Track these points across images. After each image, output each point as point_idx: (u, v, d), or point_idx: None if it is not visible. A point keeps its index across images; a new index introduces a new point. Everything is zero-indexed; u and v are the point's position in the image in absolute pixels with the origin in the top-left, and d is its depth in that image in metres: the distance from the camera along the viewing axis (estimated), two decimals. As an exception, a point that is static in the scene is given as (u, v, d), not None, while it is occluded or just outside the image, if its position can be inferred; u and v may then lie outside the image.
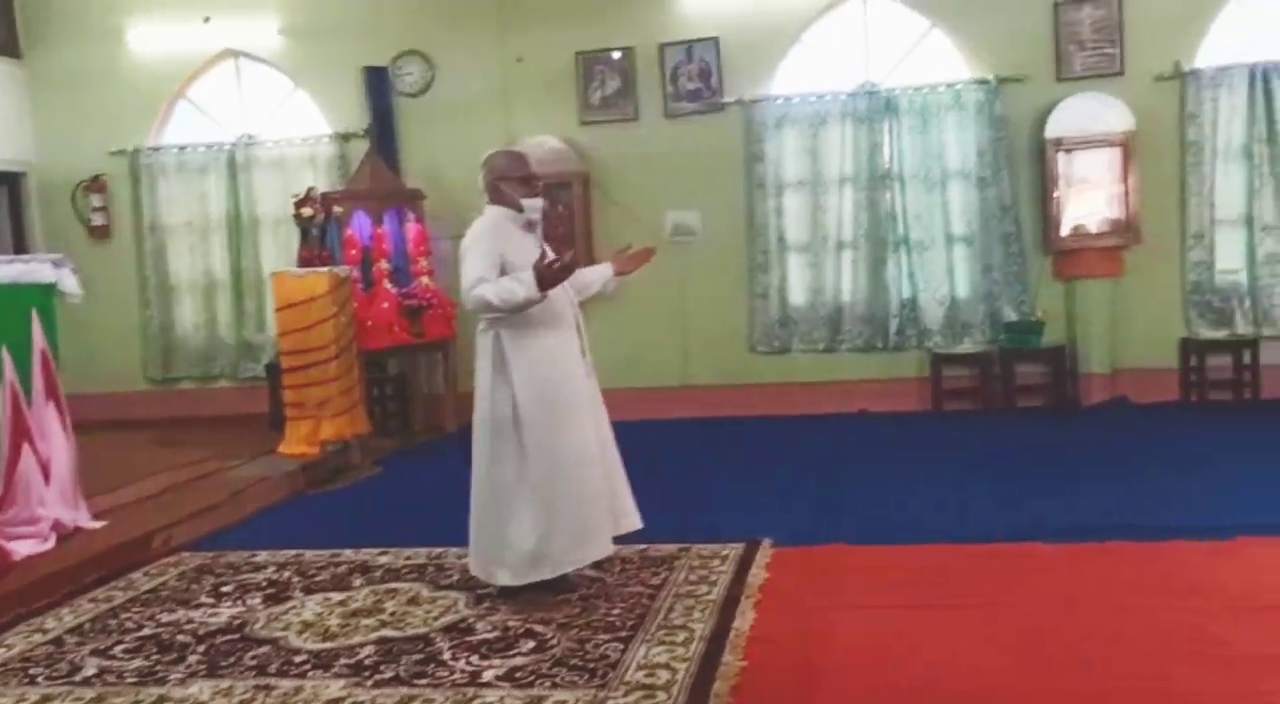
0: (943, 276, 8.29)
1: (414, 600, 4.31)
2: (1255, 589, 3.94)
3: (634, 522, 4.34)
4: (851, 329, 8.43)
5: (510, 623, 3.95)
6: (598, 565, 4.42)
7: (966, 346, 8.23)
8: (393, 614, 4.16)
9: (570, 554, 4.11)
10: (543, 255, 4.05)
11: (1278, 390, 7.74)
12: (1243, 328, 7.88)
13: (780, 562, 4.53)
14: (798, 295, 8.55)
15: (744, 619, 3.84)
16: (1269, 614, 3.68)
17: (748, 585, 4.21)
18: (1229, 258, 7.92)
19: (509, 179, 4.27)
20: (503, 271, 4.04)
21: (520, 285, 3.94)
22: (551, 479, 4.06)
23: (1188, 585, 4.02)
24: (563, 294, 4.21)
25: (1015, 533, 4.76)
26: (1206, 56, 7.90)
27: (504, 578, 4.13)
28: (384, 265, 7.92)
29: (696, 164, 8.50)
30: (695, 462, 7.00)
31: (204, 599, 4.51)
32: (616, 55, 8.60)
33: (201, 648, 3.91)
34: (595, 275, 4.56)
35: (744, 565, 4.48)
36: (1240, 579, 4.05)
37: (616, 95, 8.65)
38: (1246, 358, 7.77)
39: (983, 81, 8.08)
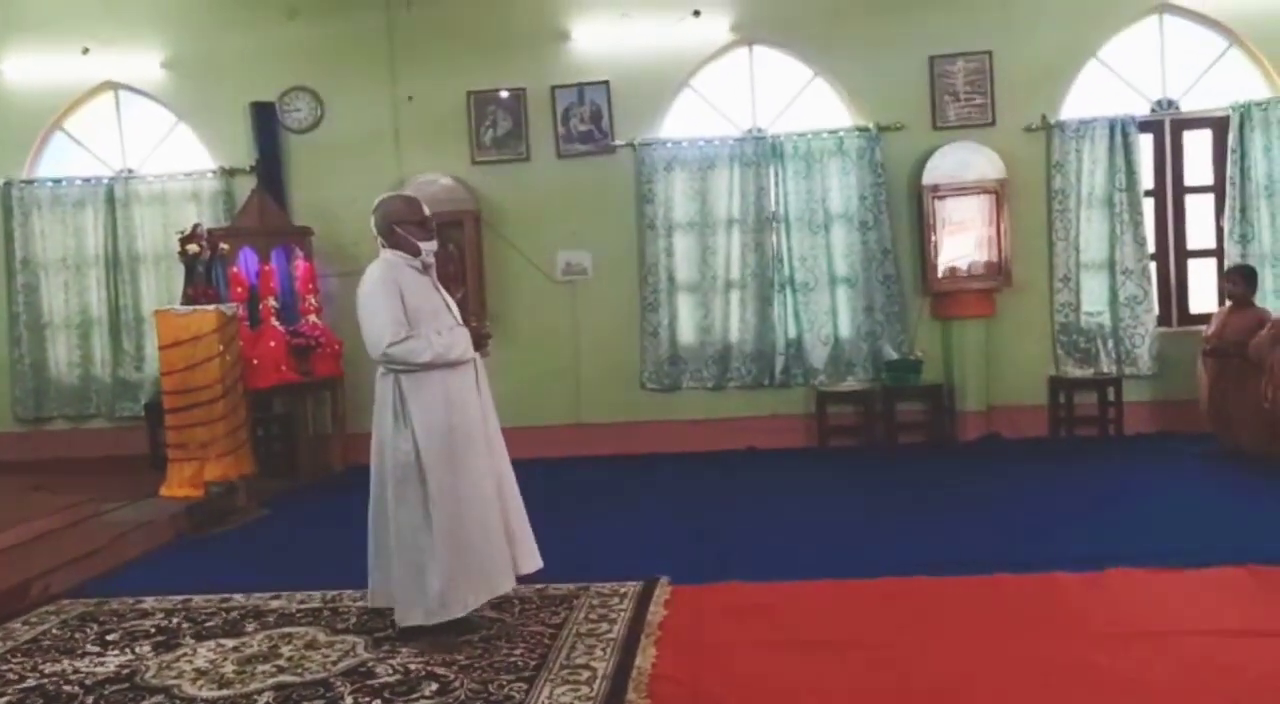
0: (826, 316, 8.54)
1: (311, 645, 4.25)
2: (1127, 617, 4.16)
3: (535, 561, 4.37)
4: (739, 367, 8.62)
5: (411, 666, 3.93)
6: (498, 606, 4.44)
7: (850, 384, 8.49)
8: (290, 659, 4.09)
9: (476, 593, 4.13)
10: (466, 311, 4.13)
11: (1139, 426, 8.19)
12: (1106, 367, 8.31)
13: (678, 599, 4.61)
14: (687, 334, 8.70)
15: (645, 657, 3.89)
16: (1141, 641, 3.89)
17: (648, 623, 4.27)
18: (1093, 300, 8.36)
19: (405, 223, 4.28)
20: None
21: (455, 346, 4.06)
22: (455, 521, 4.07)
23: (1064, 616, 4.22)
24: (461, 334, 4.26)
25: (901, 568, 4.92)
26: (1071, 109, 8.36)
27: (416, 619, 4.11)
28: (271, 303, 7.81)
29: (588, 204, 8.61)
30: (590, 499, 7.05)
31: (89, 648, 4.36)
32: (507, 95, 8.68)
33: (90, 698, 3.79)
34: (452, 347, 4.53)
35: (643, 603, 4.54)
36: (1112, 608, 4.28)
37: (508, 135, 8.72)
38: (1110, 395, 8.19)
39: (863, 129, 8.40)
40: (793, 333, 8.57)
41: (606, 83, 8.58)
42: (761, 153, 8.51)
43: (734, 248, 8.59)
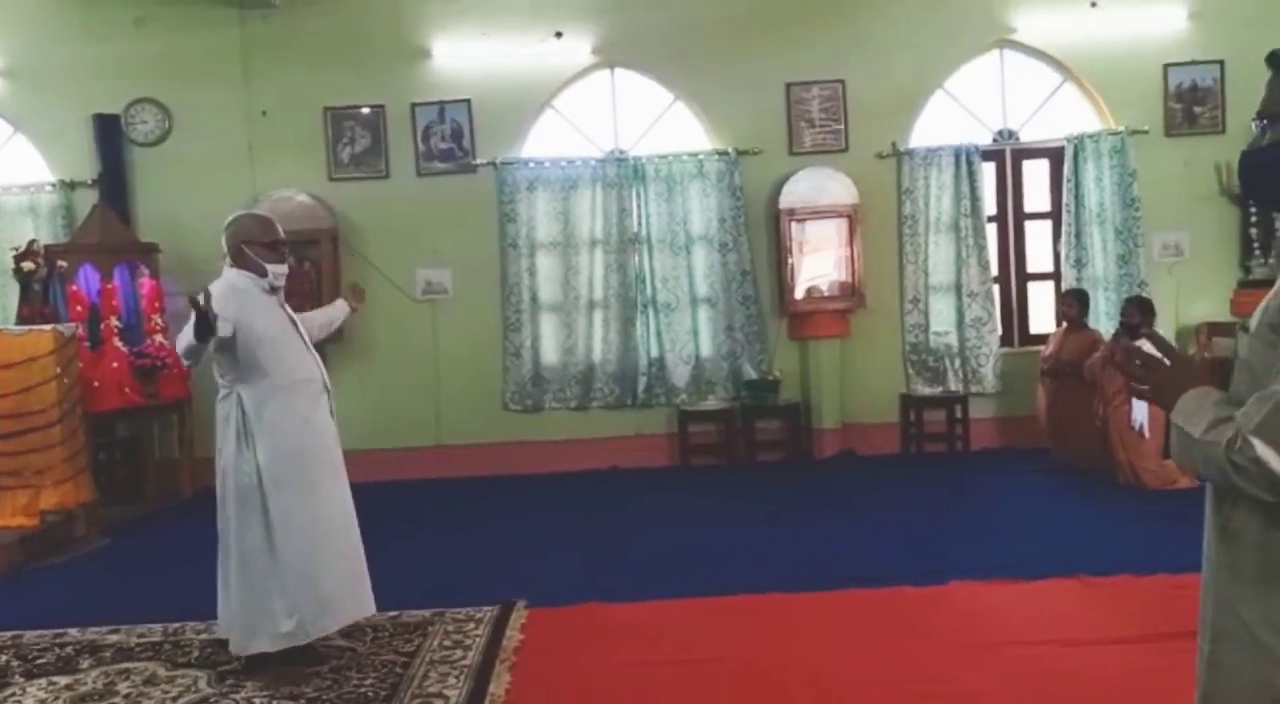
0: (688, 336, 8.66)
1: (150, 681, 4.09)
2: (970, 629, 4.33)
3: (369, 606, 4.26)
4: (602, 387, 8.66)
5: (257, 700, 3.82)
6: (348, 634, 4.35)
7: (711, 403, 8.61)
8: (127, 697, 3.93)
9: (320, 621, 4.03)
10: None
11: (984, 441, 8.53)
12: (954, 385, 8.63)
13: (535, 622, 4.60)
14: (550, 354, 8.70)
15: (499, 683, 3.87)
16: (983, 652, 4.05)
17: (503, 648, 4.25)
18: (941, 321, 8.68)
19: (255, 243, 4.18)
20: (241, 337, 3.96)
21: (184, 332, 3.87)
22: (303, 545, 3.98)
23: (910, 628, 4.36)
24: (309, 356, 4.18)
25: (758, 584, 5.01)
26: (919, 138, 8.68)
27: (261, 646, 3.99)
28: (114, 323, 7.51)
29: (449, 222, 8.54)
30: (449, 522, 6.97)
31: (-95, 692, 4.11)
32: (366, 112, 8.56)
33: (-96, 748, 3.57)
34: (338, 312, 4.82)
35: (499, 628, 4.51)
36: (955, 621, 4.44)
37: (367, 152, 8.59)
38: (958, 412, 8.52)
39: (723, 153, 8.56)
40: (655, 353, 8.65)
41: (468, 101, 8.54)
42: (623, 174, 8.58)
43: (597, 268, 8.64)
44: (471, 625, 4.57)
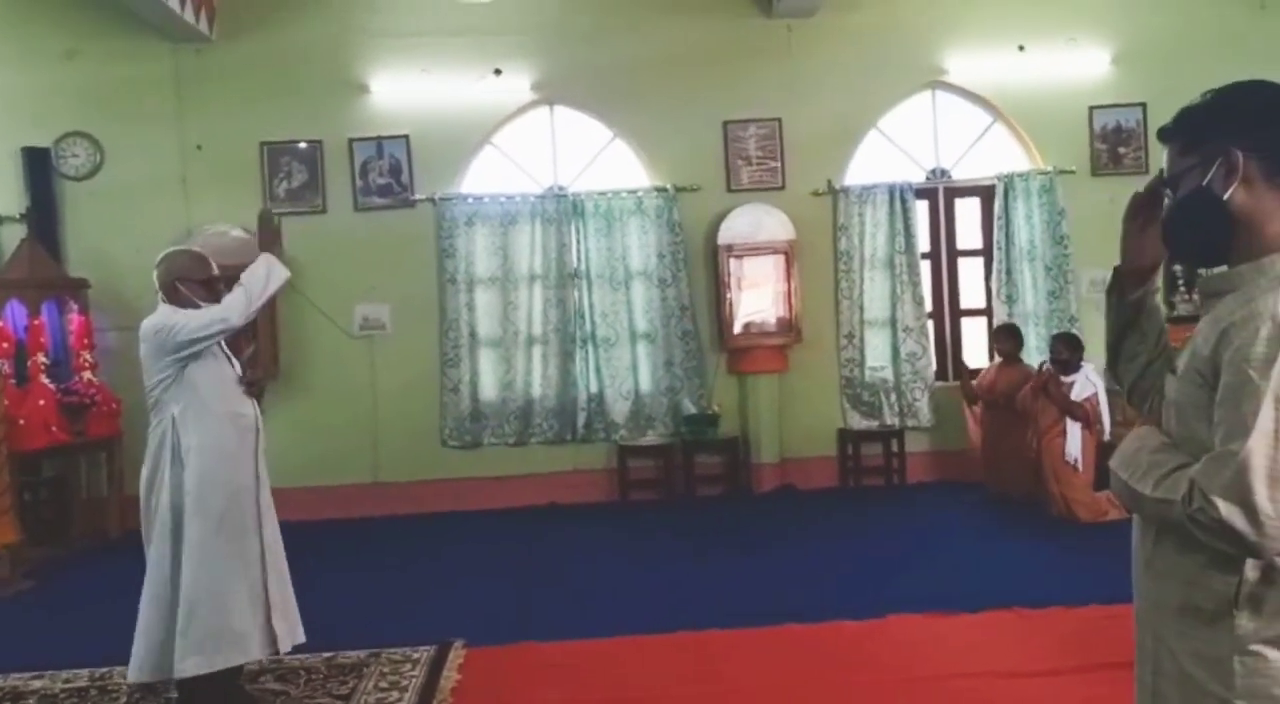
0: (627, 372, 8.67)
1: (75, 729, 3.97)
2: (909, 662, 4.37)
3: (298, 635, 4.18)
4: (542, 423, 8.62)
5: (187, 747, 3.72)
6: (282, 677, 4.27)
7: (650, 438, 8.62)
8: (50, 747, 3.81)
9: (225, 655, 3.90)
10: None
11: (919, 475, 8.63)
12: (890, 419, 8.73)
13: (473, 662, 4.55)
14: (489, 390, 8.65)
15: (437, 725, 3.81)
16: (923, 685, 4.09)
17: (440, 689, 4.19)
18: (876, 356, 8.79)
19: (189, 280, 4.14)
20: (194, 347, 3.93)
21: (260, 269, 4.11)
22: (214, 577, 3.88)
23: (849, 662, 4.39)
24: (244, 396, 4.13)
25: (695, 621, 5.01)
26: (854, 176, 8.83)
27: (131, 673, 3.90)
28: (41, 359, 7.33)
29: (387, 258, 8.49)
30: (386, 560, 6.88)
31: None
32: (304, 146, 8.50)
33: None
34: (265, 267, 4.21)
35: (436, 668, 4.45)
36: (894, 654, 4.48)
37: (304, 187, 8.52)
38: (894, 446, 8.61)
39: (662, 189, 8.62)
40: (594, 388, 8.65)
41: (406, 137, 8.52)
42: (563, 210, 8.61)
43: (536, 303, 8.63)
44: (408, 666, 4.51)
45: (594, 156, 8.85)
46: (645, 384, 8.71)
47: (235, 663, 4.03)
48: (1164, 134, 1.85)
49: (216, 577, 3.91)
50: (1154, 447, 1.78)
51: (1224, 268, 1.80)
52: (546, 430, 8.63)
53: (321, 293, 8.40)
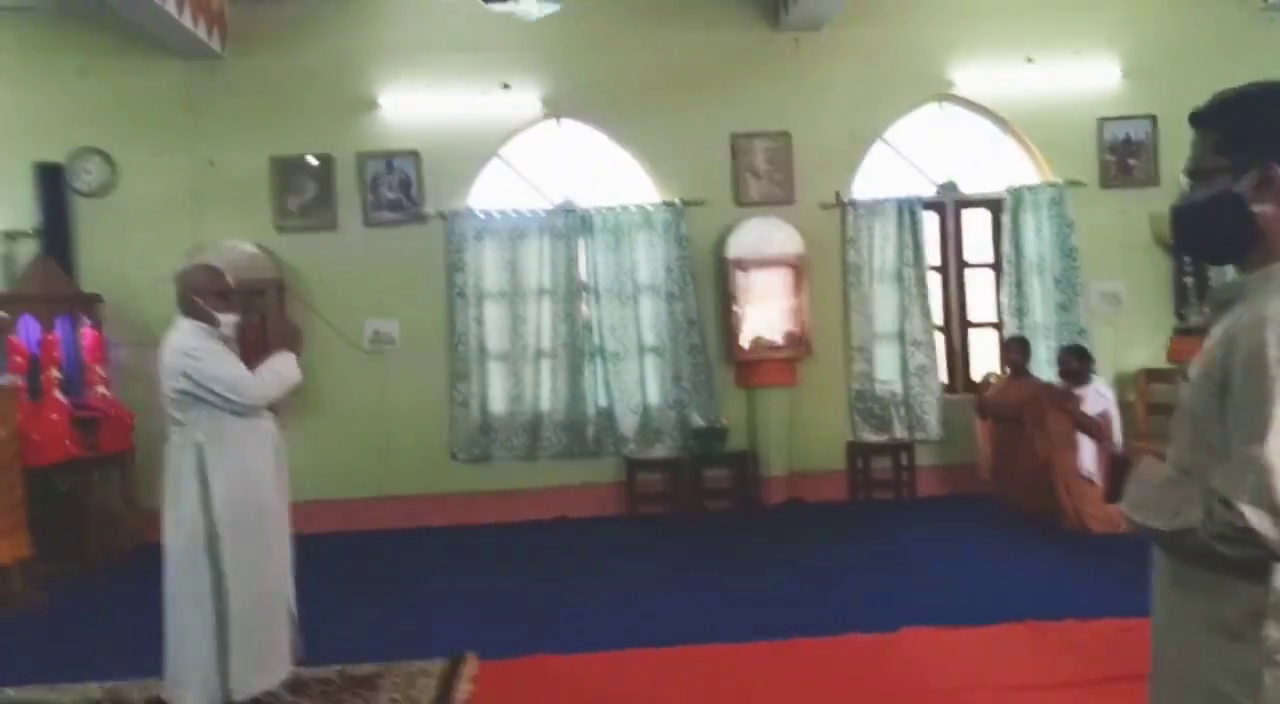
0: (635, 385, 8.67)
1: (88, 744, 3.98)
2: (921, 676, 4.36)
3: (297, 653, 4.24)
4: (550, 436, 8.62)
5: (199, 761, 3.72)
6: (296, 689, 4.28)
7: (659, 452, 8.61)
8: (63, 761, 3.82)
9: (262, 678, 3.97)
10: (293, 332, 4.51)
11: (929, 488, 8.62)
12: (899, 432, 8.72)
13: (486, 675, 4.55)
14: (498, 403, 8.66)
15: (449, 738, 3.81)
16: (935, 698, 4.09)
17: (454, 701, 4.20)
18: (886, 369, 8.79)
19: (205, 294, 4.18)
20: (201, 388, 3.94)
21: (282, 368, 4.20)
22: (252, 601, 3.93)
23: (861, 676, 4.38)
24: (270, 422, 4.18)
25: (705, 634, 5.01)
26: (863, 189, 8.84)
27: (191, 701, 3.90)
28: (54, 374, 7.36)
29: (397, 273, 8.52)
30: (397, 574, 6.88)
31: None
32: (314, 162, 8.55)
33: None
34: (283, 365, 4.38)
35: (449, 681, 4.45)
36: (906, 668, 4.47)
37: (314, 203, 8.56)
38: (904, 460, 8.60)
39: (670, 204, 8.64)
40: (603, 402, 8.65)
41: (416, 152, 8.56)
42: (571, 225, 8.63)
43: (544, 317, 8.65)
44: (422, 678, 4.51)
45: (602, 171, 8.87)
46: (654, 398, 8.71)
47: (270, 686, 4.07)
48: (1197, 119, 1.86)
49: (258, 602, 3.97)
50: (1159, 481, 1.78)
51: (1230, 271, 1.82)
52: (555, 444, 8.63)
53: (332, 308, 8.41)
